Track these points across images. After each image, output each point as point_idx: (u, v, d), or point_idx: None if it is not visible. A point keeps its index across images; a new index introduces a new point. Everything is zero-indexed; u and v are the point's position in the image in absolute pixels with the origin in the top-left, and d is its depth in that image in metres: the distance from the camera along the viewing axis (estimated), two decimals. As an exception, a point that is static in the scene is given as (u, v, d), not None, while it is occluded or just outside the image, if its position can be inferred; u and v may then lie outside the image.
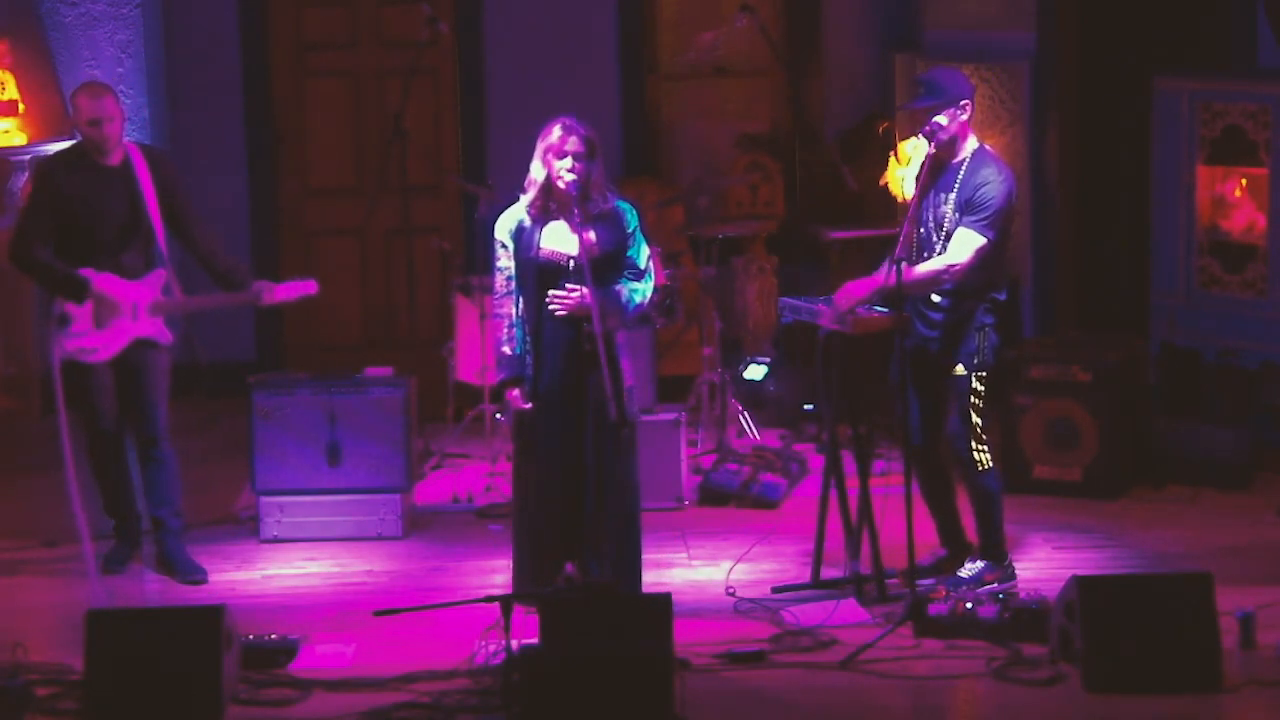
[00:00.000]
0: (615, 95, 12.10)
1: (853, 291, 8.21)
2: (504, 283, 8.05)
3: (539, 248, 7.97)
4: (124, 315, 8.63)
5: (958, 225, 8.14)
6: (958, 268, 8.12)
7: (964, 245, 8.12)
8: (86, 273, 8.55)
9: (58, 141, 11.20)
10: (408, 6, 11.06)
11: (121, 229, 8.62)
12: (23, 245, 8.60)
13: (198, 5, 11.93)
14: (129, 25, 11.61)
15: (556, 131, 7.93)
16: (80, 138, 8.72)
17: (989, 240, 8.12)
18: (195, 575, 8.76)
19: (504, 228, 8.07)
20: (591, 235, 7.93)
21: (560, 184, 7.91)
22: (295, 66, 12.01)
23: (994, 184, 8.14)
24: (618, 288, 7.97)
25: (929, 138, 8.21)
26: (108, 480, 8.96)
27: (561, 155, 7.91)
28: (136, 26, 11.61)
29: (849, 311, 8.17)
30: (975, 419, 8.27)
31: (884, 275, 8.15)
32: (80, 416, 8.76)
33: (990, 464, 8.33)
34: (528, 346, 8.01)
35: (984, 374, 8.27)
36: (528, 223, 8.02)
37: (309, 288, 8.78)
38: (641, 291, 8.03)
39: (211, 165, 11.90)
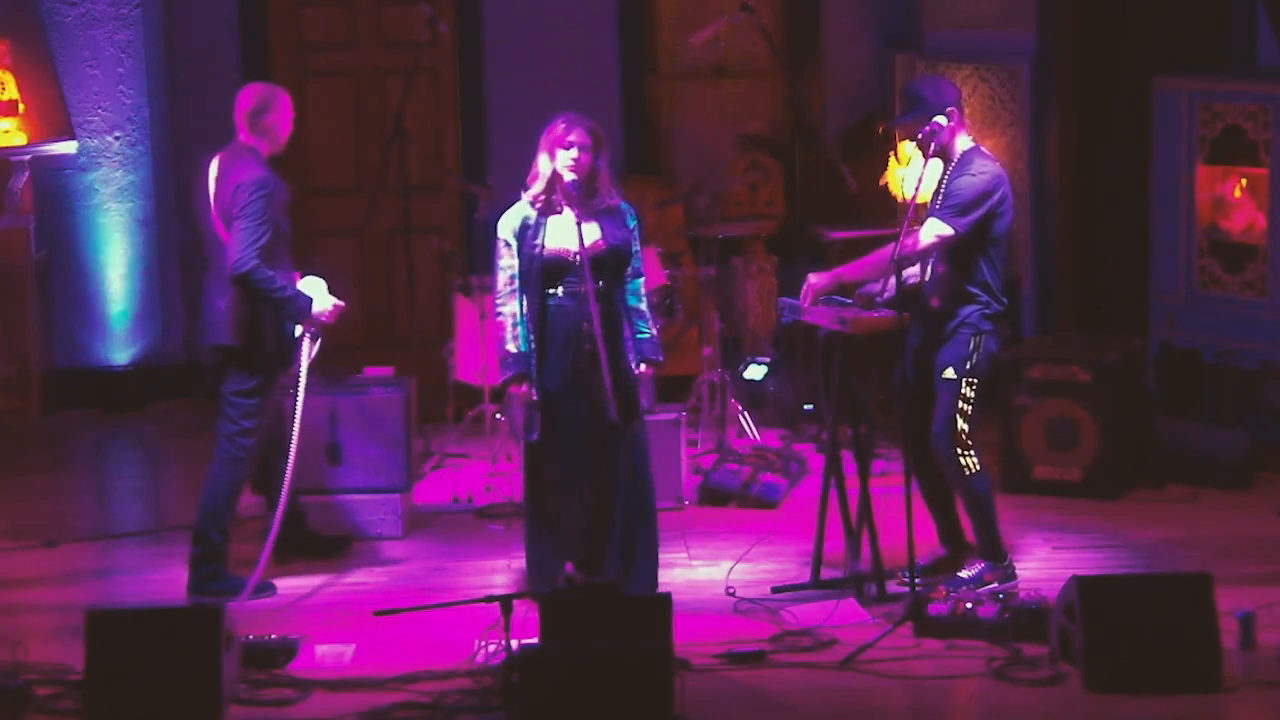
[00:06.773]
0: (615, 95, 12.10)
1: (814, 284, 8.25)
2: (507, 281, 8.06)
3: (544, 245, 7.98)
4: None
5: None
6: (912, 249, 8.11)
7: (926, 231, 8.14)
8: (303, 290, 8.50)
9: (58, 141, 11.22)
10: (408, 6, 11.06)
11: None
12: (261, 265, 8.30)
13: (198, 5, 11.93)
14: (129, 25, 11.61)
15: (560, 125, 7.97)
16: (272, 144, 8.67)
17: (954, 231, 8.11)
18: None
19: (507, 226, 8.07)
20: (596, 230, 7.94)
21: (565, 177, 7.93)
22: (295, 66, 12.00)
23: (968, 178, 8.15)
24: (639, 339, 8.07)
25: (922, 148, 8.22)
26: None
27: (567, 146, 7.93)
28: (136, 26, 11.62)
29: (811, 305, 8.22)
30: (961, 424, 8.23)
31: (843, 268, 8.32)
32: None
33: (977, 467, 8.29)
34: (532, 345, 8.01)
35: (975, 380, 8.26)
36: (532, 219, 8.03)
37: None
38: (645, 304, 8.13)
39: (211, 165, 11.90)
